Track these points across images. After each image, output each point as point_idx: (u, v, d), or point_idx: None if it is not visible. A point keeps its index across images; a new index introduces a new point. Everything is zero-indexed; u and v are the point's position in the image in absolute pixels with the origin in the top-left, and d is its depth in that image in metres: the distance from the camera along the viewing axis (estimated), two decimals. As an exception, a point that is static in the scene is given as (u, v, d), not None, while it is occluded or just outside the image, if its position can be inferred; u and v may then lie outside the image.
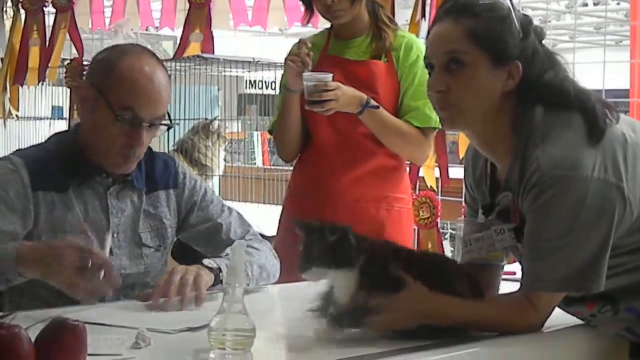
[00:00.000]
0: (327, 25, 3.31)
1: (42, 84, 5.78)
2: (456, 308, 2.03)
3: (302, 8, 3.31)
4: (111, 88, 2.43)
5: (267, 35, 6.94)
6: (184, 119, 5.70)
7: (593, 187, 1.98)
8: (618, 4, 8.91)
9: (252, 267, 2.54)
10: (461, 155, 3.38)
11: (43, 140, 2.67)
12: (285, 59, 3.21)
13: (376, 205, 3.22)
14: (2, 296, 2.49)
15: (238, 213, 2.77)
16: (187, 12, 4.56)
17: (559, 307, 2.12)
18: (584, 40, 10.23)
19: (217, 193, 3.78)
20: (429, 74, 2.15)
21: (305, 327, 2.05)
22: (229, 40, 7.17)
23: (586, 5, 9.83)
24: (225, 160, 5.89)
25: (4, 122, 6.00)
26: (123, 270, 2.54)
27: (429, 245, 3.83)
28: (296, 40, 3.32)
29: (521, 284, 2.08)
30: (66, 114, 5.58)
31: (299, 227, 2.07)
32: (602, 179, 1.99)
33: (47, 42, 5.27)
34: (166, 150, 5.20)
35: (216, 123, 5.57)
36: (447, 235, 4.34)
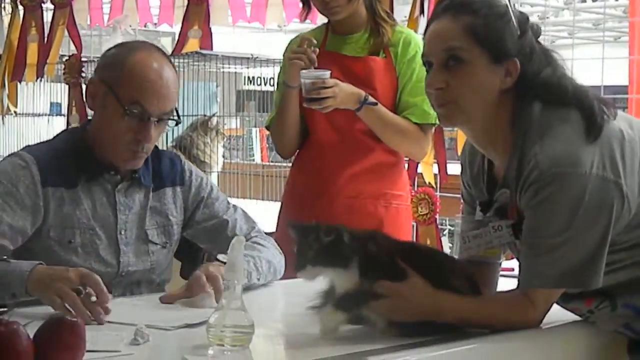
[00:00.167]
0: (325, 20, 3.30)
1: (41, 81, 5.77)
2: (455, 304, 2.03)
3: (300, 4, 3.31)
4: (120, 83, 2.46)
5: (265, 32, 6.94)
6: (183, 116, 5.67)
7: (591, 184, 1.98)
8: (616, 0, 8.91)
9: (262, 263, 2.56)
10: (459, 151, 3.38)
11: (41, 137, 2.69)
12: (284, 55, 3.20)
13: (374, 202, 3.21)
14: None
15: (243, 210, 2.78)
16: (185, 8, 4.54)
17: (557, 303, 2.12)
18: (582, 36, 10.24)
19: (215, 189, 3.77)
20: (427, 71, 2.15)
21: (305, 324, 2.05)
22: (228, 37, 7.17)
23: (585, 1, 9.82)
24: (223, 156, 5.89)
25: (3, 119, 5.99)
26: (129, 267, 2.55)
27: (428, 242, 3.83)
28: (294, 36, 3.33)
29: (519, 281, 2.08)
30: (64, 110, 5.57)
31: (293, 228, 2.07)
32: (600, 176, 1.99)
33: (46, 39, 5.26)
34: (165, 147, 5.20)
35: (215, 120, 5.57)
36: (446, 232, 4.33)
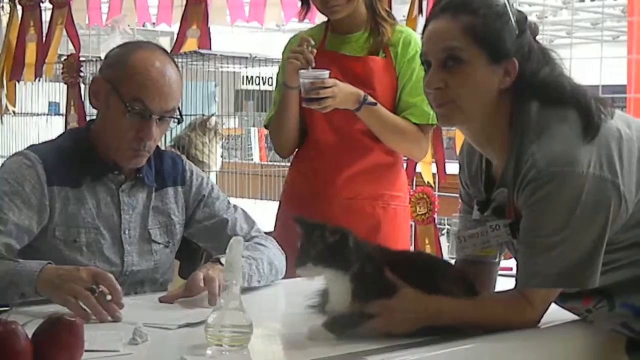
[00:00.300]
0: (325, 19, 3.30)
1: (39, 80, 5.76)
2: (451, 306, 2.03)
3: (299, 3, 3.30)
4: (123, 81, 2.48)
5: (264, 31, 6.93)
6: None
7: (589, 183, 1.98)
8: (615, -1, 8.91)
9: (263, 264, 2.56)
10: (458, 150, 3.38)
11: (40, 136, 2.71)
12: (283, 55, 3.20)
13: (372, 203, 3.20)
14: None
15: (243, 210, 2.79)
16: (184, 8, 4.54)
17: (554, 302, 2.12)
18: (581, 36, 10.23)
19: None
20: (425, 71, 2.15)
21: (303, 324, 2.05)
22: (226, 36, 7.16)
23: (583, 0, 9.82)
24: (222, 156, 5.89)
25: (1, 119, 5.99)
26: (133, 267, 2.57)
27: (426, 241, 3.83)
28: (293, 35, 3.32)
29: (517, 280, 2.08)
30: (63, 110, 5.57)
31: (299, 223, 2.07)
32: (598, 175, 1.99)
33: (44, 38, 5.26)
34: (163, 146, 5.19)
35: (213, 120, 5.56)
36: (445, 231, 4.33)
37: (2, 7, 5.93)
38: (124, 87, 2.47)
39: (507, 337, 2.04)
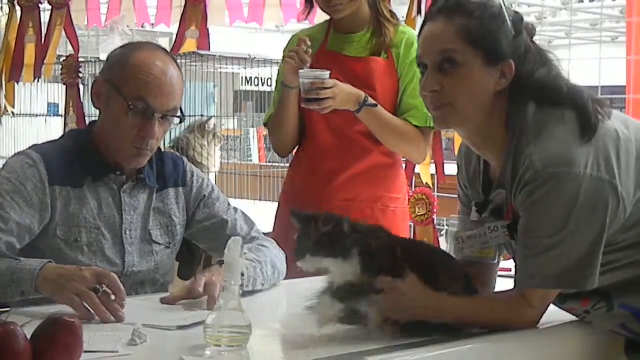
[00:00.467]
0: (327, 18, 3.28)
1: (38, 81, 5.76)
2: (453, 305, 2.03)
3: (298, 4, 3.29)
4: (125, 80, 2.49)
5: (263, 32, 6.94)
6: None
7: (586, 184, 1.98)
8: (614, 0, 8.90)
9: (267, 267, 2.56)
10: (457, 152, 3.37)
11: (39, 137, 2.71)
12: (284, 53, 3.19)
13: (371, 205, 3.18)
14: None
15: (242, 212, 2.79)
16: (183, 8, 4.54)
17: (553, 303, 2.12)
18: (580, 37, 10.24)
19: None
20: (422, 73, 2.15)
21: (303, 325, 2.05)
22: (225, 37, 7.17)
23: (582, 1, 9.83)
24: (221, 158, 5.88)
25: (0, 119, 5.99)
26: (134, 268, 2.57)
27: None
28: (295, 33, 3.31)
29: (516, 281, 2.08)
30: (62, 111, 5.57)
31: (294, 216, 2.07)
32: (595, 176, 1.99)
33: (43, 39, 5.26)
34: (162, 147, 5.19)
35: (212, 123, 5.56)
36: (444, 232, 4.33)
37: (1, 8, 5.94)
38: (126, 87, 2.48)
39: (506, 338, 2.04)
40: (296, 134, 3.23)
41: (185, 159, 2.80)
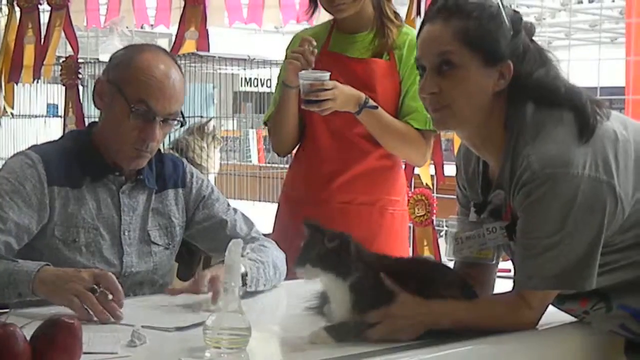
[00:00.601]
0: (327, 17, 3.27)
1: (37, 82, 5.76)
2: (451, 309, 2.03)
3: (297, 5, 3.28)
4: (127, 82, 2.50)
5: (262, 33, 6.94)
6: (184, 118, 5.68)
7: (584, 184, 1.98)
8: (613, 1, 8.90)
9: (269, 268, 2.56)
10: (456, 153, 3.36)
11: (38, 138, 2.72)
12: (287, 52, 3.16)
13: (369, 208, 3.17)
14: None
15: (242, 213, 2.79)
16: (182, 9, 4.54)
17: (551, 304, 2.12)
18: (579, 37, 10.24)
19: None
20: (420, 75, 2.15)
21: (302, 326, 2.05)
22: (224, 38, 7.17)
23: (581, 2, 9.83)
24: (221, 159, 5.89)
25: (-1, 120, 6.00)
26: (132, 268, 2.57)
27: (425, 243, 3.83)
28: (291, 37, 3.30)
29: (515, 282, 2.08)
30: (61, 111, 5.57)
31: (305, 225, 2.07)
32: (593, 177, 1.99)
33: (42, 40, 5.26)
34: (162, 149, 5.19)
35: (211, 124, 5.57)
36: (443, 233, 4.33)
37: (1, 9, 5.93)
38: (129, 89, 2.49)
39: (505, 339, 2.04)
40: (296, 134, 3.21)
41: (184, 160, 2.81)
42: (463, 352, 1.97)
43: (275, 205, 3.42)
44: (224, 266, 1.87)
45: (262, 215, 3.60)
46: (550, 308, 2.12)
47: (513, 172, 2.06)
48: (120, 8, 5.34)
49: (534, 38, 2.16)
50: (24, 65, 5.36)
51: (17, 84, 5.67)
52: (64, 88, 5.31)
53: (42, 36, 5.26)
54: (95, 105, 2.61)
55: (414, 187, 3.86)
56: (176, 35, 4.56)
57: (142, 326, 1.98)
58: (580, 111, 2.07)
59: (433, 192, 3.84)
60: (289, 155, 3.46)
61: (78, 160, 2.56)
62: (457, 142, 3.50)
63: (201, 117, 5.87)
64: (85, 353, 1.71)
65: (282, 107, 3.14)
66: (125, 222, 2.58)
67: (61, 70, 5.23)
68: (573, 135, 2.04)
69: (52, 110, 7.16)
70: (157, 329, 2.06)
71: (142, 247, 2.61)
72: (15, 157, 2.55)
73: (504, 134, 2.11)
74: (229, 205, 2.77)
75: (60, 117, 5.62)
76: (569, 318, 2.23)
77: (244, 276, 2.40)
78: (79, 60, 5.23)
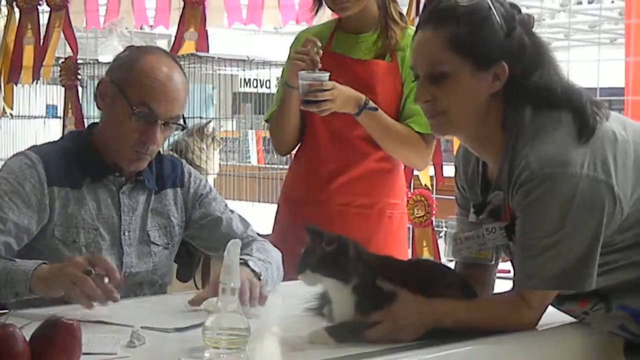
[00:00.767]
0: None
1: (37, 83, 5.76)
2: (452, 308, 2.03)
3: (297, 6, 3.27)
4: (130, 84, 2.50)
5: (261, 34, 6.94)
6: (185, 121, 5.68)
7: (582, 184, 1.97)
8: (612, 2, 8.90)
9: (274, 270, 2.56)
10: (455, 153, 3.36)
11: (37, 139, 2.72)
12: (291, 50, 3.14)
13: (367, 210, 3.14)
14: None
15: (239, 214, 2.79)
16: (181, 10, 4.54)
17: (551, 305, 2.12)
18: (578, 38, 10.24)
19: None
20: (414, 81, 2.15)
21: (301, 327, 2.05)
22: (224, 39, 7.16)
23: (580, 3, 9.83)
24: (220, 160, 5.89)
25: (-2, 121, 6.00)
26: (132, 269, 2.57)
27: (424, 244, 3.83)
28: (291, 38, 3.30)
29: (514, 283, 2.08)
30: (60, 112, 5.57)
31: (307, 230, 2.07)
32: (591, 176, 1.98)
33: (42, 41, 5.26)
34: (161, 150, 5.19)
35: (211, 126, 5.57)
36: (442, 234, 4.33)
37: (0, 9, 5.93)
38: (132, 91, 2.49)
39: (505, 339, 2.03)
40: (297, 134, 3.19)
41: (183, 161, 2.81)
42: (463, 352, 1.96)
43: (275, 206, 3.41)
44: (223, 266, 1.87)
45: (261, 216, 3.60)
46: (550, 309, 2.12)
47: (511, 172, 2.05)
48: (120, 9, 5.34)
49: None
50: (23, 66, 5.37)
51: (16, 85, 5.67)
52: (63, 89, 5.32)
53: (42, 37, 5.27)
54: (97, 106, 2.61)
55: (414, 188, 3.86)
56: (175, 36, 4.57)
57: (142, 327, 1.98)
58: (580, 112, 2.06)
59: (432, 193, 3.84)
60: (289, 156, 3.46)
61: (78, 160, 2.56)
62: (457, 142, 3.50)
63: (200, 118, 5.87)
64: (84, 354, 1.70)
65: (284, 107, 3.12)
66: (125, 222, 2.58)
67: (60, 71, 5.24)
68: (572, 135, 2.04)
69: (51, 111, 7.16)
70: (157, 329, 2.06)
71: (141, 248, 2.61)
72: (14, 158, 2.55)
73: (502, 135, 2.10)
74: (226, 205, 2.77)
75: (60, 118, 5.62)
76: (568, 319, 2.22)
77: (257, 275, 2.40)
78: (78, 61, 5.23)
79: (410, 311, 1.99)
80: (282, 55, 3.17)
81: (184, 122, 2.60)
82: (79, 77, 5.22)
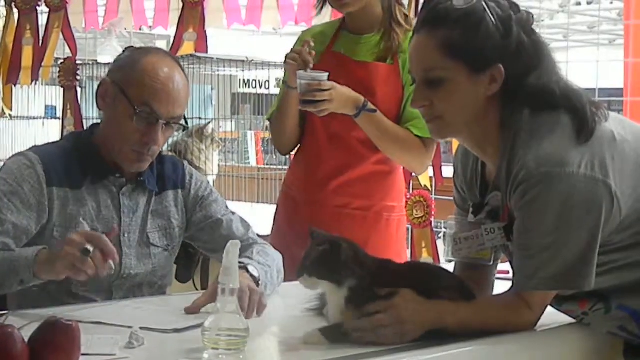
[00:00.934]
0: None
1: (36, 84, 5.76)
2: (452, 309, 2.03)
3: (295, 7, 3.26)
4: (132, 84, 2.50)
5: (260, 35, 6.93)
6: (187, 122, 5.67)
7: (579, 183, 1.97)
8: (611, 2, 8.89)
9: (274, 273, 2.55)
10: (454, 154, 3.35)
11: (36, 140, 2.72)
12: (286, 56, 3.14)
13: (363, 213, 3.13)
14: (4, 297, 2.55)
15: (240, 216, 2.78)
16: (180, 11, 4.55)
17: (550, 305, 2.12)
18: (577, 39, 10.22)
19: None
20: (411, 85, 2.15)
21: (300, 327, 2.05)
22: (223, 40, 7.16)
23: (579, 4, 9.82)
24: (219, 162, 5.88)
25: (-3, 121, 6.00)
26: (131, 270, 2.57)
27: (423, 245, 3.83)
28: (290, 39, 3.29)
29: (513, 283, 2.08)
30: (59, 113, 5.57)
31: (310, 234, 2.08)
32: (589, 176, 1.98)
33: (41, 42, 5.26)
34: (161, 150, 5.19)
35: (210, 127, 5.57)
36: (441, 235, 4.33)
37: (-1, 10, 5.93)
38: (133, 91, 2.49)
39: (505, 340, 2.03)
40: (296, 134, 3.18)
41: (185, 162, 2.81)
42: (463, 353, 1.96)
43: (274, 207, 3.41)
44: (222, 268, 1.87)
45: (261, 216, 3.60)
46: (550, 309, 2.12)
47: (509, 172, 2.05)
48: (119, 9, 5.34)
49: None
50: (22, 66, 5.36)
51: (15, 86, 5.67)
52: (62, 90, 5.32)
53: (41, 38, 5.26)
54: (97, 107, 2.61)
55: (413, 189, 3.85)
56: (174, 37, 4.57)
57: (141, 327, 1.98)
58: (579, 113, 2.06)
59: (431, 194, 3.84)
60: (288, 157, 3.45)
61: (78, 161, 2.56)
62: (456, 143, 3.50)
63: (199, 118, 5.87)
64: (83, 354, 1.70)
65: (283, 107, 3.12)
66: (125, 223, 2.58)
67: (59, 71, 5.23)
68: (570, 136, 2.04)
69: (50, 112, 7.16)
70: (156, 330, 2.06)
71: (141, 249, 2.60)
72: (14, 158, 2.55)
73: (500, 136, 2.10)
74: (227, 207, 2.77)
75: (59, 118, 5.62)
76: (568, 319, 2.22)
77: (256, 280, 2.39)
78: (77, 62, 5.23)
79: (411, 305, 1.99)
80: (281, 56, 3.16)
81: (186, 122, 2.60)
82: (78, 77, 5.22)
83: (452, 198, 2.41)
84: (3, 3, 5.61)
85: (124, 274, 2.55)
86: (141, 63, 2.51)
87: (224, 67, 5.60)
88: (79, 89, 5.28)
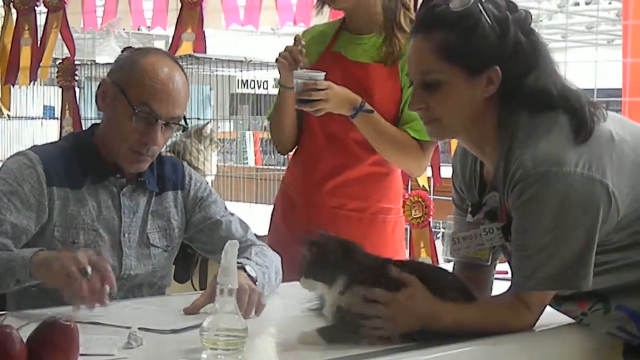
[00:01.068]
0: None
1: (34, 84, 5.76)
2: (452, 309, 2.03)
3: (296, 5, 3.24)
4: (132, 84, 2.50)
5: (259, 35, 6.94)
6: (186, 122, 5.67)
7: (576, 182, 1.97)
8: (610, 3, 8.89)
9: (272, 274, 2.55)
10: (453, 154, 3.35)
11: (35, 140, 2.72)
12: (279, 54, 3.14)
13: (359, 214, 3.11)
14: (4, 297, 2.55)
15: (239, 217, 2.78)
16: (179, 11, 4.55)
17: (549, 305, 2.12)
18: (576, 39, 10.22)
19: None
20: (409, 87, 2.16)
21: (299, 328, 2.05)
22: (221, 40, 7.16)
23: (578, 4, 9.82)
24: (217, 162, 5.88)
25: (-4, 122, 6.00)
26: (131, 271, 2.57)
27: (421, 245, 3.83)
28: (288, 39, 3.28)
29: (512, 283, 2.08)
30: (58, 113, 5.57)
31: (305, 236, 2.08)
32: (586, 175, 1.98)
33: (39, 42, 5.26)
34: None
35: (209, 128, 5.56)
36: (440, 235, 4.33)
37: (-3, 10, 5.93)
38: (133, 91, 2.49)
39: (504, 340, 2.03)
40: (295, 133, 3.17)
41: (185, 163, 2.80)
42: (463, 353, 1.96)
43: (272, 207, 3.41)
44: (220, 268, 1.87)
45: (259, 217, 3.60)
46: (549, 309, 2.12)
47: (507, 172, 2.05)
48: (117, 10, 5.34)
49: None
50: (20, 67, 5.36)
51: (13, 86, 5.67)
52: (60, 90, 5.32)
53: (39, 38, 5.26)
54: (97, 107, 2.61)
55: (411, 189, 3.85)
56: (173, 37, 4.57)
57: (139, 328, 1.98)
58: (578, 113, 2.06)
59: (430, 194, 3.84)
60: (286, 157, 3.45)
61: (78, 161, 2.55)
62: (454, 144, 3.49)
63: (198, 119, 5.87)
64: (82, 355, 1.70)
65: (279, 106, 3.11)
66: (125, 224, 2.58)
67: (58, 72, 5.23)
68: (567, 136, 2.03)
69: (48, 112, 7.17)
70: (154, 330, 2.06)
71: (141, 250, 2.60)
72: (13, 158, 2.54)
73: (497, 137, 2.10)
74: (226, 208, 2.77)
75: (57, 119, 5.62)
76: (567, 319, 2.22)
77: (254, 280, 2.39)
78: (76, 62, 5.23)
79: (417, 303, 1.99)
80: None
81: (185, 123, 2.60)
82: (77, 78, 5.22)
83: (450, 198, 2.41)
84: (1, 3, 5.60)
85: (124, 274, 2.54)
86: (141, 63, 2.51)
87: (223, 67, 5.60)
88: (77, 89, 5.28)
